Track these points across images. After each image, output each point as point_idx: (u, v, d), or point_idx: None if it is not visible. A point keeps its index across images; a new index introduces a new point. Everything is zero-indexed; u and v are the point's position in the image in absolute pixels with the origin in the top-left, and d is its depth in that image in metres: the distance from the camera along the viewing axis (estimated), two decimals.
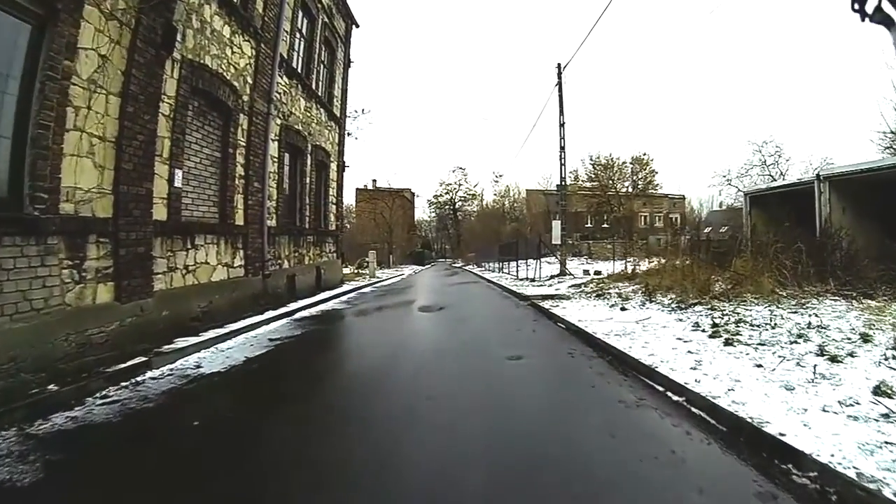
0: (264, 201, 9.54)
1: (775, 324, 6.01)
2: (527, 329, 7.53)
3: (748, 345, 5.24)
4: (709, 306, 7.38)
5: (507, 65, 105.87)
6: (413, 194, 65.88)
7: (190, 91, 7.28)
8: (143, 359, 5.38)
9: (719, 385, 3.97)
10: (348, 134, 21.10)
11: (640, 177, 44.50)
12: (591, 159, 44.06)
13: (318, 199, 14.43)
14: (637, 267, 12.51)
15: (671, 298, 8.23)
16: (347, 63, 17.11)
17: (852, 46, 60.35)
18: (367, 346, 6.80)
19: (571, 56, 31.82)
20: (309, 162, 12.93)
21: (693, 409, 3.71)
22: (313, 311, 10.20)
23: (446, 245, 69.92)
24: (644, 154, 44.39)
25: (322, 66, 14.61)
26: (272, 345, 6.54)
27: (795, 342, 5.20)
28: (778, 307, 6.99)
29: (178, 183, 6.95)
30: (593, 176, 44.14)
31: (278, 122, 10.63)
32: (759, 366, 4.49)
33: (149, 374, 5.13)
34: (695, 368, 4.49)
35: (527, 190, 53.35)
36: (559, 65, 18.78)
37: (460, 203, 63.62)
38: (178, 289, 6.87)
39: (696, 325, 6.43)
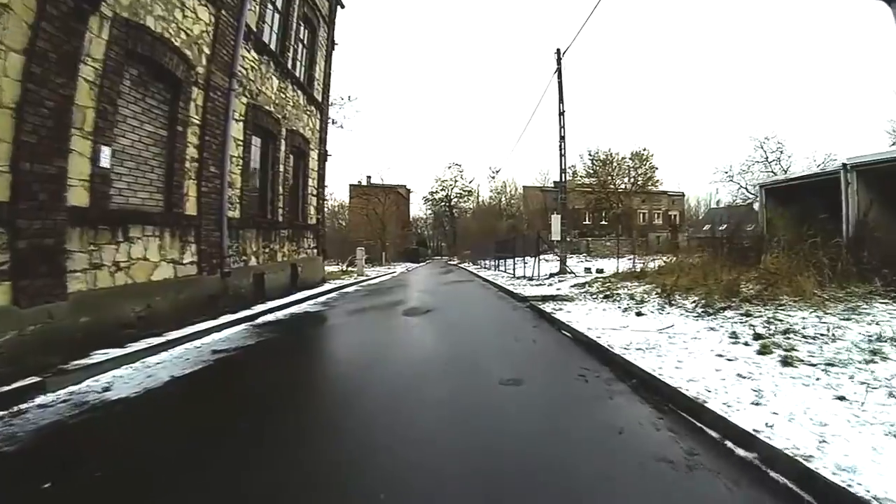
0: (223, 189, 8.31)
1: (834, 335, 4.87)
2: (526, 339, 6.36)
3: (813, 365, 4.08)
4: (741, 311, 6.23)
5: (504, 55, 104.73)
6: (408, 191, 64.87)
7: (124, 55, 6.06)
8: (37, 379, 4.18)
9: (802, 432, 2.81)
10: (332, 121, 20.02)
11: (639, 172, 43.30)
12: (590, 154, 42.89)
13: (296, 190, 13.26)
14: (646, 265, 11.32)
15: (694, 301, 7.07)
16: (331, 45, 15.85)
17: (856, 42, 59.48)
18: (331, 363, 5.63)
19: (571, 41, 30.68)
20: (283, 148, 11.69)
21: (773, 474, 2.54)
22: (281, 314, 8.97)
23: (442, 242, 68.75)
24: (644, 149, 43.16)
25: (301, 46, 13.36)
26: (213, 359, 5.32)
27: (871, 361, 4.07)
28: (825, 312, 5.86)
29: (104, 162, 5.72)
30: (592, 172, 42.98)
31: (244, 100, 9.41)
32: (842, 398, 3.34)
33: (39, 399, 3.95)
34: (757, 403, 3.31)
35: (524, 186, 52.29)
36: (558, 50, 17.67)
37: (456, 200, 62.50)
38: (105, 290, 5.65)
39: (734, 335, 5.27)
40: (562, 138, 17.43)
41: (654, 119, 78.68)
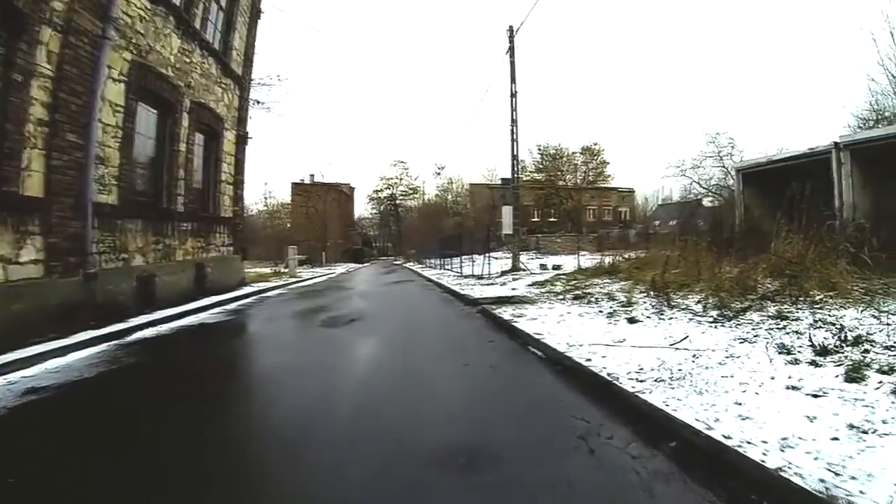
0: (88, 165, 6.43)
1: None
2: (480, 363, 4.49)
3: None
4: (770, 313, 4.68)
5: (451, 47, 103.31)
6: (352, 189, 62.68)
7: None
8: None
9: None
10: (257, 103, 17.52)
11: (590, 167, 42.91)
12: (540, 149, 41.91)
13: (207, 176, 11.16)
14: (617, 258, 9.81)
15: (698, 301, 5.50)
16: (256, 12, 13.48)
17: (807, 40, 62.38)
18: (187, 412, 3.45)
19: (524, 18, 29.23)
20: (186, 123, 9.59)
21: None
22: (166, 328, 6.91)
23: (388, 243, 67.20)
24: (595, 144, 42.72)
25: (215, 5, 11.06)
26: (14, 405, 3.13)
27: None
28: (879, 310, 4.45)
29: None
30: (541, 167, 42.12)
31: (127, 56, 7.42)
32: None
33: None
34: None
35: (470, 183, 50.76)
36: (511, 28, 16.25)
37: (401, 198, 60.68)
38: None
39: (785, 350, 3.69)
40: (513, 121, 15.88)
41: (604, 114, 79.46)
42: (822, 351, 3.51)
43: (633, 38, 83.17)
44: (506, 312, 6.81)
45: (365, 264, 43.32)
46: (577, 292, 7.77)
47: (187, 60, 9.63)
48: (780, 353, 3.66)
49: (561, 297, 7.85)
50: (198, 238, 10.36)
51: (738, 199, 11.05)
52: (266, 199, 47.30)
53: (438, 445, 2.60)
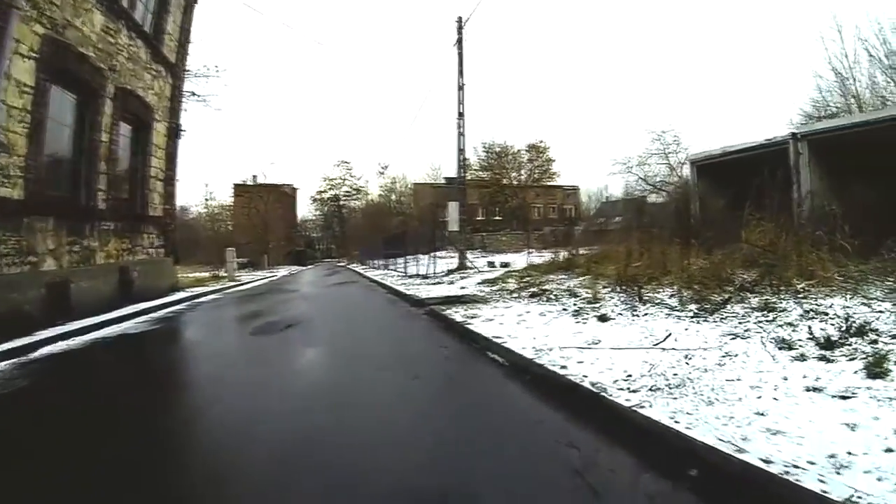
0: None
1: None
2: (433, 374, 3.82)
3: None
4: (755, 305, 4.30)
5: (396, 43, 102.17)
6: (294, 190, 60.67)
7: None
8: None
9: None
10: (193, 95, 15.95)
11: (536, 165, 43.16)
12: (485, 147, 41.67)
13: (134, 171, 10.12)
14: (574, 252, 9.40)
15: (672, 295, 5.08)
16: None
17: (751, 41, 65.47)
18: (72, 453, 2.53)
19: (473, 9, 28.66)
20: (109, 111, 8.55)
21: None
22: (78, 341, 5.93)
23: (332, 244, 65.59)
24: (540, 141, 42.82)
25: None
26: None
27: None
28: (867, 297, 4.24)
29: None
30: (486, 165, 41.95)
31: (38, 29, 6.51)
32: None
33: None
34: None
35: (414, 183, 49.90)
36: (460, 19, 15.66)
37: (345, 199, 59.11)
38: None
39: (786, 345, 3.28)
40: (460, 115, 15.30)
41: (550, 112, 79.16)
42: (828, 344, 3.10)
43: (579, 37, 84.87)
44: (457, 313, 6.16)
45: (308, 266, 42.36)
46: (533, 289, 7.24)
47: (112, 41, 8.58)
48: (780, 348, 3.23)
49: (516, 295, 7.30)
50: (122, 239, 9.28)
51: (692, 192, 10.99)
52: (207, 200, 44.59)
53: (391, 492, 1.90)
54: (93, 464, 2.29)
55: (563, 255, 9.53)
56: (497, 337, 4.40)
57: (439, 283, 11.11)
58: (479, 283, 9.73)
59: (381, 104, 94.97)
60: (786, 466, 1.78)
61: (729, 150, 9.98)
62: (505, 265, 15.24)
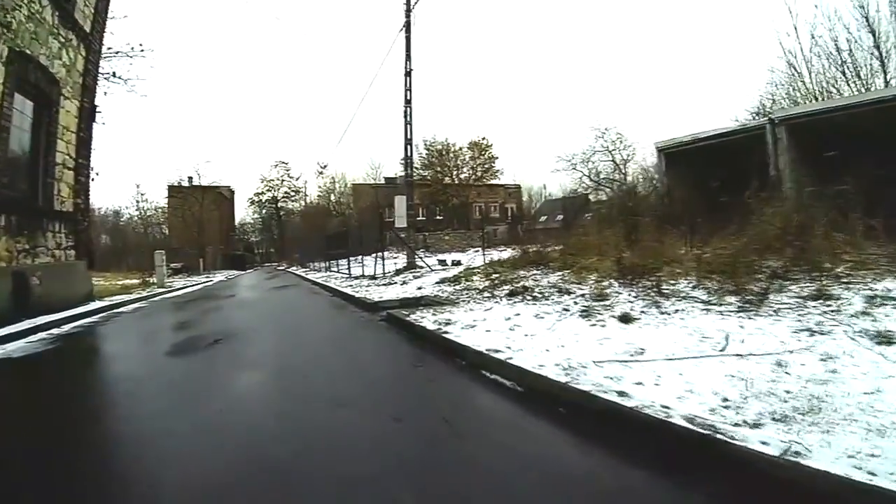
0: None
1: None
2: (418, 413, 2.71)
3: None
4: (806, 293, 3.53)
5: (331, 40, 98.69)
6: (232, 192, 57.05)
7: None
8: None
9: None
10: (113, 74, 13.45)
11: (478, 163, 42.56)
12: (427, 145, 40.60)
13: (36, 157, 8.26)
14: (546, 247, 8.49)
15: (695, 286, 4.22)
16: None
17: (695, 38, 67.25)
18: None
19: None
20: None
21: None
22: None
23: (271, 248, 63.32)
24: (483, 139, 42.25)
25: None
26: None
27: None
28: None
29: None
30: (428, 163, 40.91)
31: None
32: None
33: None
34: None
35: (353, 184, 48.01)
36: (408, 2, 14.32)
37: (283, 200, 56.16)
38: None
39: (883, 339, 2.51)
40: (408, 102, 14.08)
41: (492, 110, 78.33)
42: None
43: (521, 34, 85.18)
44: (424, 318, 5.05)
45: (248, 271, 40.00)
46: (508, 287, 6.25)
47: None
48: (879, 343, 2.42)
49: (488, 294, 6.29)
50: (18, 238, 7.41)
51: (660, 180, 10.50)
52: (139, 203, 40.92)
53: None
54: None
55: (530, 249, 8.62)
56: (493, 350, 3.33)
57: (390, 283, 9.95)
58: (437, 283, 8.66)
59: (320, 100, 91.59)
60: None
61: (700, 136, 9.53)
62: (457, 263, 14.27)
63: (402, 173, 43.74)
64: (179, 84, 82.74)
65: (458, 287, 7.58)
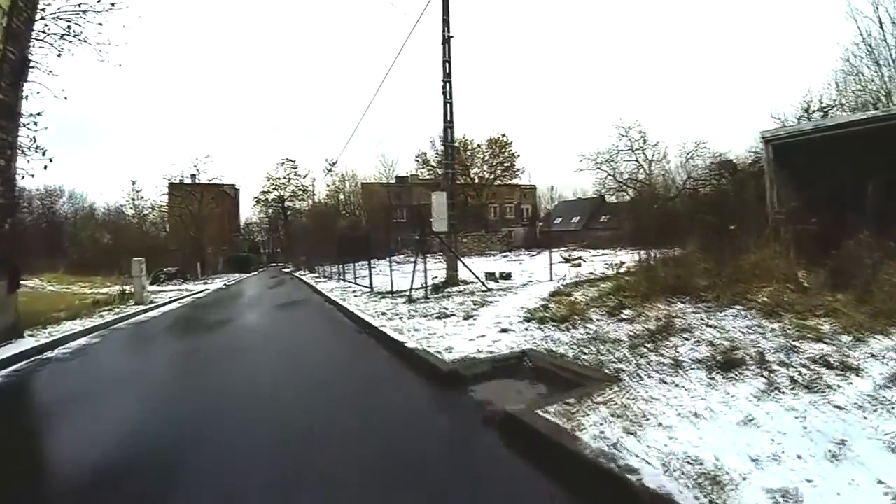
0: None
1: None
2: None
3: None
4: None
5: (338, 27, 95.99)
6: (236, 190, 55.55)
7: None
8: None
9: None
10: (69, 30, 10.29)
11: (498, 161, 40.07)
12: (442, 141, 38.21)
13: None
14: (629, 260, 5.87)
15: None
16: None
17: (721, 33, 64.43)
18: None
19: None
20: None
21: None
22: None
23: (277, 248, 63.14)
24: (503, 135, 39.85)
25: None
26: None
27: None
28: None
29: None
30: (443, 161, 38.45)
31: None
32: None
33: None
34: None
35: (362, 183, 45.57)
36: None
37: (291, 200, 53.99)
38: None
39: None
40: (447, 75, 11.37)
41: (507, 107, 75.67)
42: None
43: (542, 32, 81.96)
44: (607, 433, 2.52)
45: (252, 273, 38.58)
46: (688, 343, 3.68)
47: None
48: None
49: (655, 355, 3.72)
50: None
51: (767, 178, 7.96)
52: (134, 201, 38.29)
53: None
54: None
55: (657, 267, 6.00)
56: None
57: (444, 314, 7.19)
58: (524, 320, 5.96)
59: (330, 96, 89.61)
60: None
61: (822, 125, 7.21)
62: (506, 276, 11.69)
63: (418, 169, 40.90)
64: (183, 80, 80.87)
65: (574, 335, 4.86)
